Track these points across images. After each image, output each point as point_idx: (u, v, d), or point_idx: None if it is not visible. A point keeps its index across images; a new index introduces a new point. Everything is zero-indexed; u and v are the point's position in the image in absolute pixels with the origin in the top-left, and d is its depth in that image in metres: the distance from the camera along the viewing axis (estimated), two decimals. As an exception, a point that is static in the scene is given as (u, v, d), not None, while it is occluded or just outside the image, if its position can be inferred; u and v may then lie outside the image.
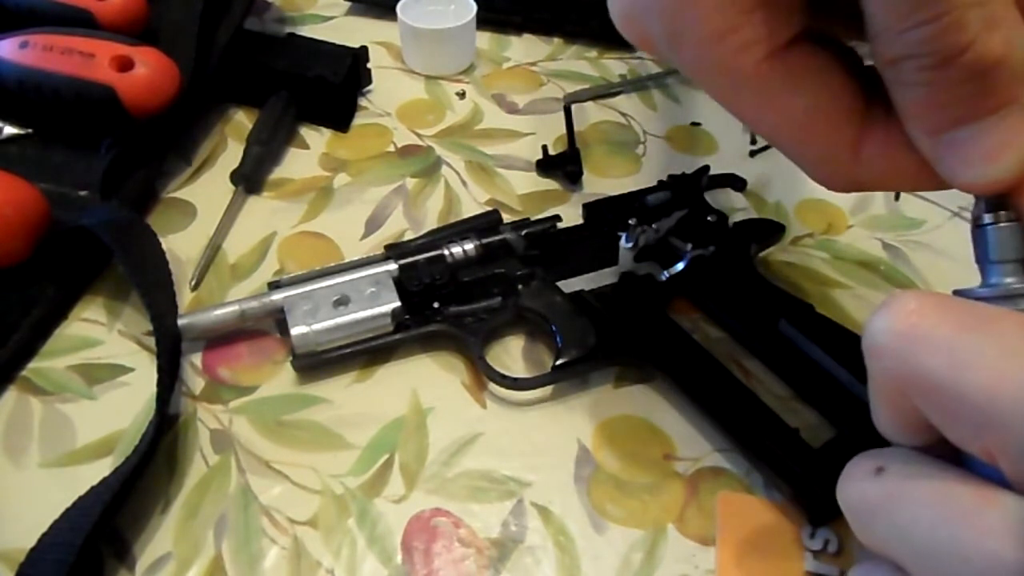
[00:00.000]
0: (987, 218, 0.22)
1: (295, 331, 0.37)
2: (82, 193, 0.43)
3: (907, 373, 0.20)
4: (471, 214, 0.44)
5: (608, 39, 0.59)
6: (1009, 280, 0.21)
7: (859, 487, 0.22)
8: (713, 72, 0.25)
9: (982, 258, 0.22)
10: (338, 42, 0.52)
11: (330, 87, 0.49)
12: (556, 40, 0.59)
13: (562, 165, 0.48)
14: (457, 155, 0.50)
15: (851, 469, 0.23)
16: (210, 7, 0.49)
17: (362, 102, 0.53)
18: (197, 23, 0.48)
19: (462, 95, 0.54)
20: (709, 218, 0.41)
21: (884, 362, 0.20)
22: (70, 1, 0.47)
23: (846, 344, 0.35)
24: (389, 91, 0.54)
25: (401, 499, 0.34)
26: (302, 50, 0.52)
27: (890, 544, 0.21)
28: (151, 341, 0.38)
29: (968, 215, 0.46)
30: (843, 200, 0.47)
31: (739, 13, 0.23)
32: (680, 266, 0.39)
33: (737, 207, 0.46)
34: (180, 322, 0.37)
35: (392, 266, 0.39)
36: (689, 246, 0.40)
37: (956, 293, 0.22)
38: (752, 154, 0.50)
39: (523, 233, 0.40)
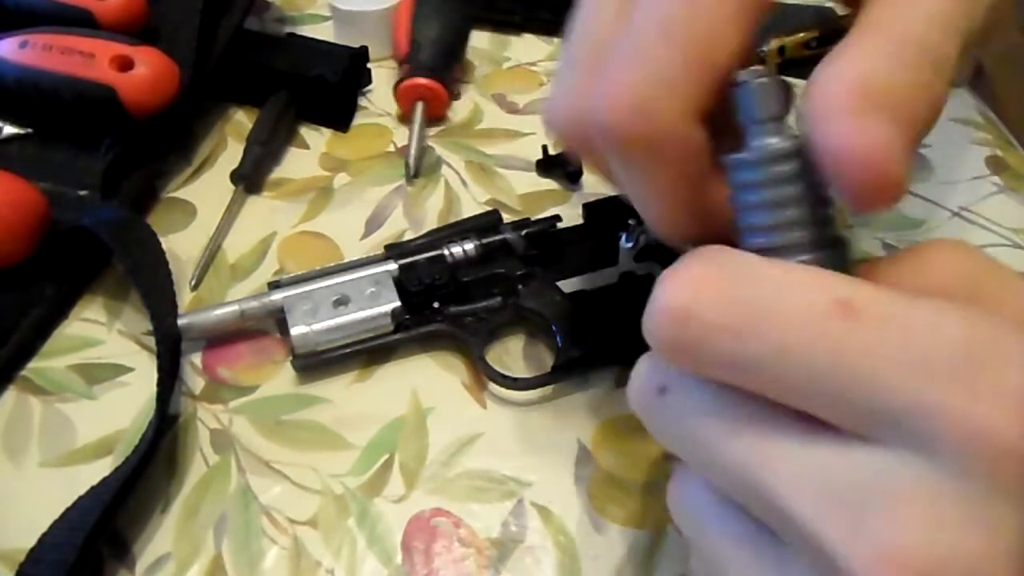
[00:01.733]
0: (743, 75, 0.21)
1: (295, 331, 0.37)
2: (82, 193, 0.43)
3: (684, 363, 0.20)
4: (471, 214, 0.44)
5: (608, 39, 0.59)
6: (771, 140, 0.21)
7: (643, 401, 0.22)
8: None
9: (744, 119, 0.21)
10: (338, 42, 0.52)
11: (330, 87, 0.49)
12: (556, 40, 0.59)
13: (562, 165, 0.48)
14: (457, 155, 0.50)
15: (636, 376, 0.22)
16: (210, 7, 0.49)
17: (362, 102, 0.53)
18: (197, 23, 0.48)
19: (457, 96, 0.54)
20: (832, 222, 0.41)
21: (659, 350, 0.21)
22: (70, 1, 0.47)
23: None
24: (389, 91, 0.54)
25: (401, 499, 0.34)
26: (302, 50, 0.52)
27: (681, 454, 0.21)
28: (151, 341, 0.38)
29: (968, 215, 0.46)
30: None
31: None
32: (680, 266, 0.39)
33: (737, 207, 0.46)
34: (180, 322, 0.37)
35: (392, 266, 0.39)
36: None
37: (725, 159, 0.22)
38: (752, 154, 0.50)
39: (523, 233, 0.40)
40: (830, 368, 0.17)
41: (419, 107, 0.49)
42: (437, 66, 0.50)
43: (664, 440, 0.21)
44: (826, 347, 0.17)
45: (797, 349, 0.17)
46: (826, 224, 0.21)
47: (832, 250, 0.21)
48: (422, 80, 0.49)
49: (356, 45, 0.52)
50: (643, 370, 0.22)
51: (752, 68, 0.21)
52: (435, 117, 0.51)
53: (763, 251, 0.21)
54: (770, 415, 0.19)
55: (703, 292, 0.19)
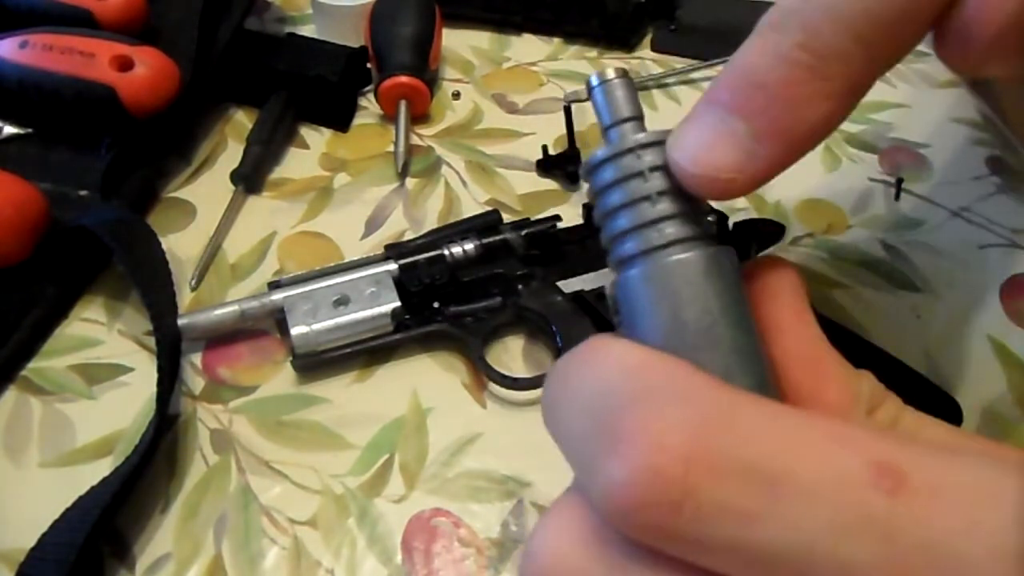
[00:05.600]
0: (593, 80, 0.20)
1: (295, 331, 0.37)
2: (82, 193, 0.43)
3: None
4: (471, 214, 0.44)
5: (608, 39, 0.59)
6: (626, 135, 0.20)
7: None
8: None
9: (603, 126, 0.20)
10: (338, 42, 0.52)
11: (329, 86, 0.49)
12: (556, 40, 0.59)
13: (562, 165, 0.48)
14: (457, 155, 0.50)
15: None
16: (210, 7, 0.49)
17: (362, 102, 0.53)
18: (197, 23, 0.48)
19: (457, 95, 0.54)
20: (709, 218, 0.41)
21: None
22: (70, 1, 0.47)
23: (845, 344, 0.35)
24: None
25: (401, 499, 0.34)
26: (302, 50, 0.52)
27: None
28: (151, 341, 0.38)
29: (968, 215, 0.46)
30: (843, 200, 0.47)
31: None
32: (680, 266, 0.39)
33: (737, 207, 0.46)
34: (180, 322, 0.37)
35: (392, 266, 0.39)
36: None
37: (583, 165, 0.20)
38: (752, 154, 0.50)
39: (523, 233, 0.40)
40: (870, 562, 0.13)
41: (402, 105, 0.50)
42: (414, 64, 0.50)
43: None
44: (873, 534, 0.13)
45: (831, 536, 0.13)
46: (698, 217, 0.20)
47: (714, 248, 0.19)
48: (403, 78, 0.49)
49: (335, 40, 0.52)
50: (546, 565, 0.16)
51: (603, 72, 0.20)
52: (419, 114, 0.51)
53: (631, 258, 0.19)
54: None
55: (696, 459, 0.14)
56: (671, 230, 0.19)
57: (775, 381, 0.19)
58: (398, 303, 0.38)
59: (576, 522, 0.16)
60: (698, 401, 0.15)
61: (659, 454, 0.14)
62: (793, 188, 0.48)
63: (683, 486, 0.14)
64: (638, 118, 0.20)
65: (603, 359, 0.17)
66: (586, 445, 0.15)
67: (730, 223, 0.42)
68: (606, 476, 0.14)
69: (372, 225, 0.45)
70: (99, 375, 0.38)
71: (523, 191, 0.48)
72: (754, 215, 0.46)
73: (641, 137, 0.20)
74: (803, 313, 0.20)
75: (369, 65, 0.53)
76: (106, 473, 0.33)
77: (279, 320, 0.39)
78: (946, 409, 0.35)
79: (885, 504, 0.13)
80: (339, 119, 0.51)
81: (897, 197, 0.48)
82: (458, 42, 0.58)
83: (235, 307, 0.38)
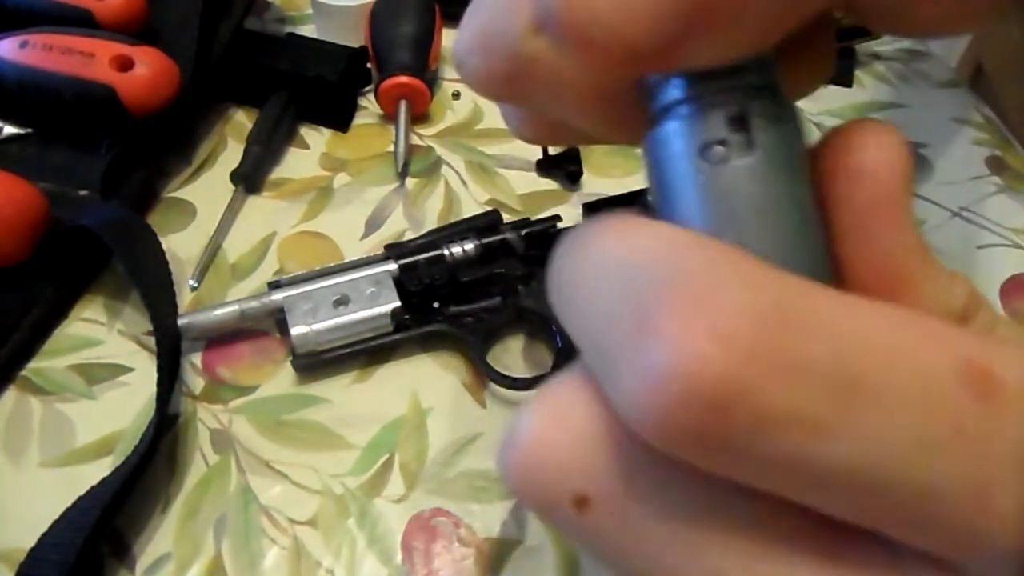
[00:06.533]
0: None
1: (295, 331, 0.37)
2: (82, 193, 0.43)
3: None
4: (471, 214, 0.44)
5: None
6: None
7: (545, 511, 0.13)
8: None
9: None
10: (338, 42, 0.52)
11: (329, 86, 0.49)
12: (556, 40, 0.59)
13: (562, 165, 0.48)
14: (457, 155, 0.50)
15: (522, 465, 0.13)
16: (210, 7, 0.49)
17: (362, 102, 0.53)
18: (197, 23, 0.48)
19: (457, 95, 0.54)
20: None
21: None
22: (70, 1, 0.47)
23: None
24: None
25: (401, 499, 0.34)
26: (302, 50, 0.52)
27: None
28: (151, 341, 0.38)
29: (968, 215, 0.46)
30: (843, 200, 0.47)
31: None
32: (680, 266, 0.39)
33: (737, 207, 0.46)
34: (180, 322, 0.37)
35: (392, 266, 0.39)
36: None
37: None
38: (752, 154, 0.50)
39: (523, 233, 0.40)
40: (955, 480, 0.11)
41: (403, 105, 0.50)
42: (414, 64, 0.50)
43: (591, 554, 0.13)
44: (961, 449, 0.11)
45: (913, 452, 0.11)
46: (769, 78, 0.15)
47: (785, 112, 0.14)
48: (403, 79, 0.49)
49: (335, 40, 0.52)
50: (533, 458, 0.13)
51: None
52: (419, 114, 0.51)
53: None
54: (789, 534, 0.12)
55: (758, 352, 0.11)
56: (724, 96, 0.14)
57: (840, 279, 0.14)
58: (398, 303, 0.38)
59: (579, 408, 0.13)
60: (762, 285, 0.11)
61: (712, 340, 0.11)
62: (793, 188, 0.48)
63: (739, 384, 0.11)
64: None
65: (639, 228, 0.12)
66: (611, 323, 0.12)
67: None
68: (637, 364, 0.11)
69: (372, 225, 0.45)
70: (99, 375, 0.38)
71: (523, 191, 0.48)
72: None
73: None
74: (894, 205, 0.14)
75: (369, 65, 0.53)
76: (106, 473, 0.33)
77: (279, 320, 0.39)
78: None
79: (975, 412, 0.11)
80: (339, 119, 0.51)
81: (897, 197, 0.47)
82: (458, 42, 0.58)
83: (235, 307, 0.38)
